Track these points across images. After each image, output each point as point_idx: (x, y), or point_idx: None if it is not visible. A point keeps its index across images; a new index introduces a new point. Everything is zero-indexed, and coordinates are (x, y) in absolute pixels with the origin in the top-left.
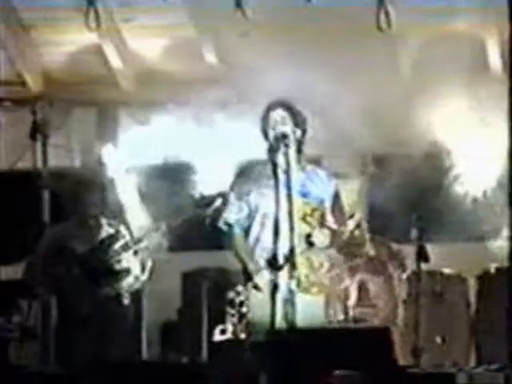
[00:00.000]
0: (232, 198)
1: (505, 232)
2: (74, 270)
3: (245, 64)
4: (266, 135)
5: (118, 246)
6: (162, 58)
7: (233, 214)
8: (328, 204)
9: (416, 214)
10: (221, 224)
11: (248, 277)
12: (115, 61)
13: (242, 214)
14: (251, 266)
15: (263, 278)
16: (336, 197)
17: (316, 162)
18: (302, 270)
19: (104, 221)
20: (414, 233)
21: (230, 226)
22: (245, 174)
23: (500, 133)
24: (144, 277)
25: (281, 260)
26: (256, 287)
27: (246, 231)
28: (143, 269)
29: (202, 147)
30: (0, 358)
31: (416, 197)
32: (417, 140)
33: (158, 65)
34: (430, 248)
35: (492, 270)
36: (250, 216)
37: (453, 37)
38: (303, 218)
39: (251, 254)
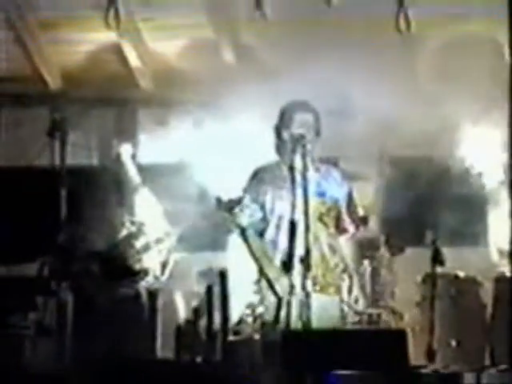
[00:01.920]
0: (246, 200)
1: None
2: (93, 267)
3: (263, 64)
4: (279, 135)
5: (139, 245)
6: (181, 57)
7: (246, 217)
8: (343, 203)
9: (432, 217)
10: (234, 227)
11: (265, 278)
12: (134, 60)
13: (256, 217)
14: (267, 267)
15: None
16: (350, 196)
17: (333, 163)
18: (319, 270)
19: (126, 218)
20: (429, 236)
21: (243, 229)
22: (259, 175)
23: None
24: (164, 277)
25: (297, 261)
26: (274, 291)
27: (262, 234)
28: (163, 269)
29: (221, 148)
30: (15, 355)
31: (432, 200)
32: (435, 142)
33: (177, 64)
34: (445, 251)
35: (507, 274)
36: (266, 218)
37: (471, 38)
38: (319, 218)
39: (270, 256)
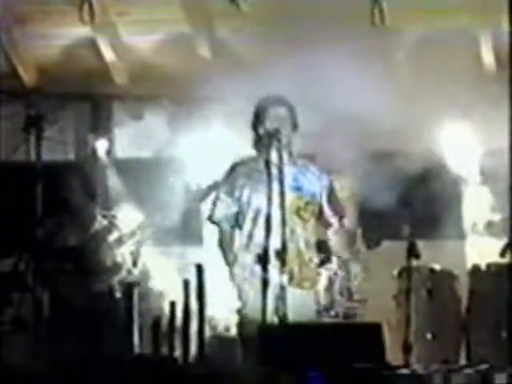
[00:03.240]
0: (221, 194)
1: (494, 227)
2: (66, 264)
3: (239, 59)
4: (256, 130)
5: (111, 239)
6: (157, 52)
7: (219, 211)
8: (322, 197)
9: (407, 211)
10: (208, 220)
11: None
12: (109, 55)
13: (231, 210)
14: (230, 262)
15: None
16: (330, 189)
17: (310, 158)
18: (295, 264)
19: (98, 212)
20: (405, 229)
21: (215, 222)
22: (236, 169)
23: (494, 129)
24: (136, 270)
25: (272, 255)
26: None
27: (238, 227)
28: (135, 262)
29: (195, 142)
30: None
31: (408, 194)
32: (411, 137)
33: (152, 59)
34: (420, 245)
35: (482, 267)
36: (242, 212)
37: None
38: (296, 212)
39: (244, 249)
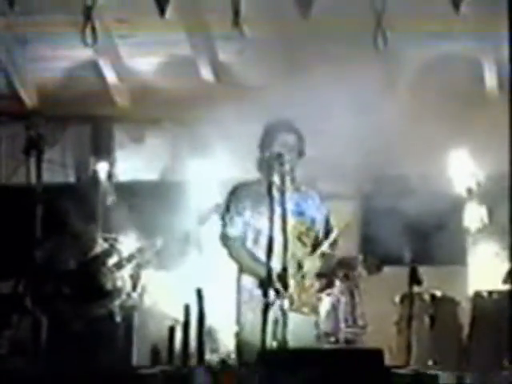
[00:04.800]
0: (233, 214)
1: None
2: (65, 287)
3: (241, 82)
4: (261, 153)
5: (111, 263)
6: (158, 74)
7: (232, 229)
8: (320, 225)
9: (409, 237)
10: (221, 239)
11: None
12: (111, 77)
13: (243, 229)
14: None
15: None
16: (327, 218)
17: (311, 182)
18: (295, 289)
19: (98, 235)
20: (406, 255)
21: (229, 242)
22: (238, 191)
23: (496, 154)
24: (136, 294)
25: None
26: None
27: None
28: (135, 286)
29: (197, 165)
30: None
31: (411, 219)
32: (413, 162)
33: (154, 82)
34: (422, 270)
35: (484, 293)
36: (245, 233)
37: (450, 59)
38: (298, 237)
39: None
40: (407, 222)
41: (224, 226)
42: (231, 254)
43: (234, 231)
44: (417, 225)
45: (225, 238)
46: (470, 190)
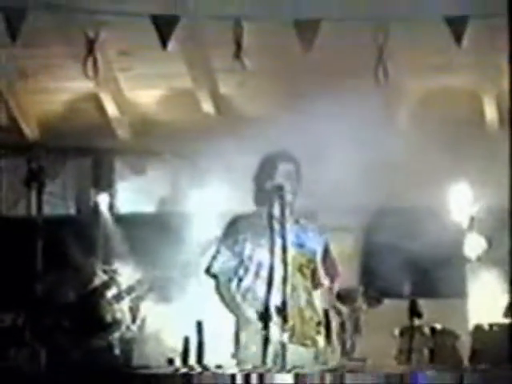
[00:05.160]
0: (222, 247)
1: (494, 288)
2: (65, 319)
3: (242, 114)
4: (259, 185)
5: (110, 295)
6: (159, 107)
7: (218, 264)
8: (319, 257)
9: (409, 269)
10: (205, 272)
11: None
12: (112, 109)
13: (230, 264)
14: (240, 315)
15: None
16: (326, 250)
17: (312, 214)
18: (296, 321)
19: (98, 267)
20: (406, 287)
21: (214, 275)
22: (236, 223)
23: (498, 187)
24: (135, 326)
25: (273, 312)
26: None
27: (238, 280)
28: (134, 318)
29: (197, 197)
30: None
31: (411, 252)
32: (413, 194)
33: (154, 114)
34: (422, 303)
35: (485, 326)
36: (243, 265)
37: (450, 92)
38: (299, 269)
39: (240, 303)
40: (407, 254)
41: (210, 259)
42: (216, 289)
43: (216, 266)
44: (417, 258)
45: (207, 272)
46: (471, 219)
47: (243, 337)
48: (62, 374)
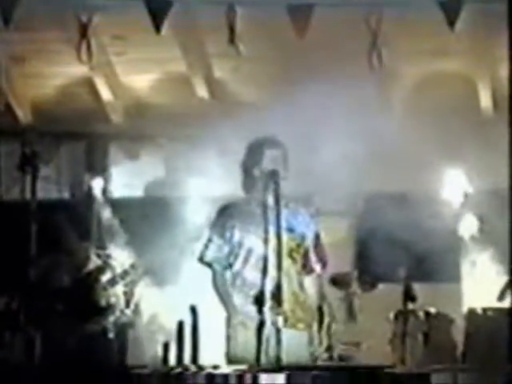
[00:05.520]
0: (213, 236)
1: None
2: (58, 304)
3: (236, 99)
4: (247, 172)
5: (104, 279)
6: (154, 91)
7: (210, 252)
8: (310, 242)
9: (403, 254)
10: (198, 261)
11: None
12: (106, 94)
13: (222, 252)
14: (229, 305)
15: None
16: (317, 235)
17: (307, 198)
18: (289, 305)
19: (92, 251)
20: (401, 272)
21: (208, 264)
22: (225, 211)
23: (492, 171)
24: (129, 311)
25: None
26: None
27: (230, 268)
28: (128, 302)
29: (191, 181)
30: None
31: (405, 235)
32: (407, 179)
33: (149, 98)
34: (416, 287)
35: (479, 311)
36: (233, 253)
37: (445, 78)
38: (289, 254)
39: (231, 288)
40: (402, 239)
41: (202, 248)
42: (212, 279)
43: (209, 254)
44: (411, 242)
45: (200, 261)
46: (465, 199)
47: (234, 331)
48: (58, 366)
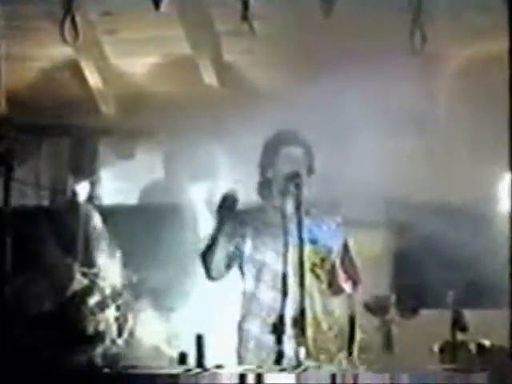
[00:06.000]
0: (217, 247)
1: None
2: (38, 330)
3: (250, 86)
4: (263, 174)
5: (92, 302)
6: (152, 77)
7: (217, 268)
8: (337, 255)
9: (452, 274)
10: (207, 277)
11: None
12: (95, 80)
13: (231, 265)
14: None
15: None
16: (345, 248)
17: (333, 207)
18: (309, 332)
19: (77, 269)
20: (449, 296)
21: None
22: (237, 218)
23: None
24: (121, 340)
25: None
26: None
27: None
28: (121, 330)
29: (196, 185)
30: None
31: (454, 253)
32: (455, 185)
33: (146, 86)
34: (467, 315)
35: None
36: (241, 267)
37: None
38: (312, 270)
39: (247, 312)
40: (450, 255)
41: (208, 262)
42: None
43: (216, 270)
44: (461, 260)
45: (208, 277)
46: None
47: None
48: None
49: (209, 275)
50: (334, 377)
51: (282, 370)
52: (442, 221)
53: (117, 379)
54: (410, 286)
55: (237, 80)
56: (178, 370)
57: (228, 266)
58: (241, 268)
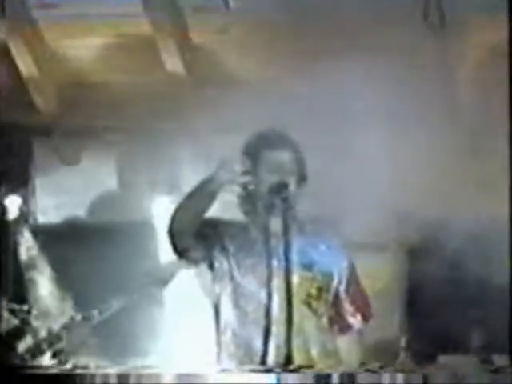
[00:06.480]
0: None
1: None
2: None
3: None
4: (244, 184)
5: (23, 348)
6: (100, 63)
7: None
8: (340, 283)
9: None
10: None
11: None
12: (28, 67)
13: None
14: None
15: None
16: (351, 273)
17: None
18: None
19: (4, 306)
20: (474, 338)
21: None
22: (214, 228)
23: None
24: None
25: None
26: None
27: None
28: None
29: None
30: None
31: (480, 284)
32: (483, 199)
33: (93, 74)
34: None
35: None
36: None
37: None
38: (306, 302)
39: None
40: (474, 287)
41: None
42: None
43: (176, 225)
44: (489, 292)
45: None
46: None
47: None
48: None
49: (170, 228)
50: None
51: None
52: (468, 244)
53: None
54: (425, 325)
55: (207, 66)
56: None
57: (197, 236)
58: (211, 265)
